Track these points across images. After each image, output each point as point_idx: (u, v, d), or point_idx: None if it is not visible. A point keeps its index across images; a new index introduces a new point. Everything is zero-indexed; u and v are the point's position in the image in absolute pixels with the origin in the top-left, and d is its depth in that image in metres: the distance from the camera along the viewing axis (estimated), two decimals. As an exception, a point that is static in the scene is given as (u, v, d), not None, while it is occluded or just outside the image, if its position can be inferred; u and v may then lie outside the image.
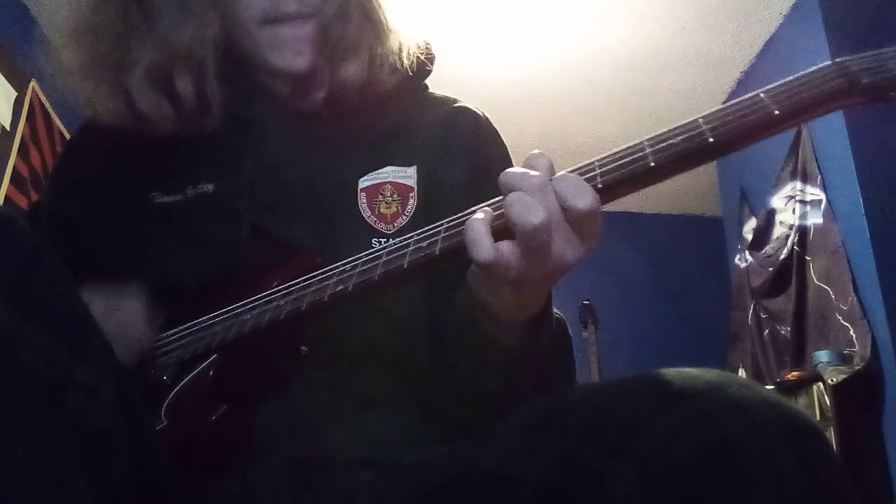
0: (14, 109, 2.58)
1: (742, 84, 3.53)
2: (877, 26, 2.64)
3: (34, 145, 2.70)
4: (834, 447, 2.12)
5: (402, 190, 0.82)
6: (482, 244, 0.56)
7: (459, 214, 0.61)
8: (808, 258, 2.90)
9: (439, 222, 0.63)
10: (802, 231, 2.93)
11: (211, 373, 0.70)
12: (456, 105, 0.92)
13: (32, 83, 2.67)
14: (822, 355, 2.57)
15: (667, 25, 3.22)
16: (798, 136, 2.94)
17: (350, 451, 0.70)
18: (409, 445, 0.70)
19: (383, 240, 0.77)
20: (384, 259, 0.63)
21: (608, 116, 3.83)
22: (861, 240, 2.58)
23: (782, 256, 3.04)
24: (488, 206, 0.59)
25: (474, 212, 0.59)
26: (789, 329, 2.98)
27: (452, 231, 0.60)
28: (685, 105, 3.65)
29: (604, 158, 0.58)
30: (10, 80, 2.55)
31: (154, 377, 0.72)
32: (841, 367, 2.49)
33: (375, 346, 0.76)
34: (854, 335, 2.57)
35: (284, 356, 0.73)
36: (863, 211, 2.56)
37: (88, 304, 0.54)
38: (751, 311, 3.35)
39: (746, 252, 3.42)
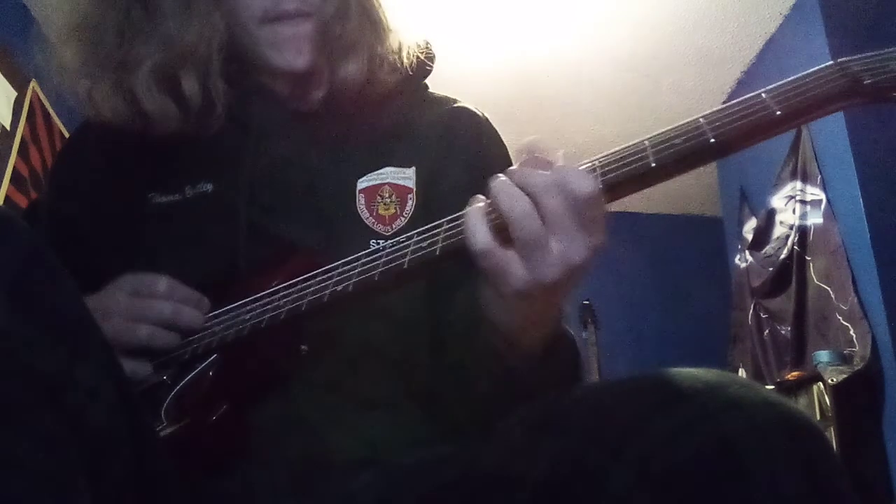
0: (14, 109, 2.58)
1: (742, 84, 3.53)
2: (877, 26, 2.64)
3: (34, 145, 2.70)
4: (834, 447, 2.12)
5: (400, 191, 0.82)
6: (478, 230, 0.56)
7: (459, 214, 0.61)
8: (808, 258, 2.90)
9: (439, 221, 0.63)
10: (802, 231, 2.93)
11: (211, 373, 0.70)
12: (456, 105, 0.92)
13: (32, 83, 2.67)
14: (822, 355, 2.57)
15: (667, 25, 3.22)
16: (798, 136, 2.94)
17: (350, 451, 0.70)
18: (409, 445, 0.70)
19: (381, 241, 0.77)
20: (384, 259, 0.63)
21: (608, 116, 3.82)
22: (861, 240, 2.57)
23: (782, 256, 3.04)
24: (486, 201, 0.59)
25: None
26: (789, 329, 2.97)
27: (452, 231, 0.60)
28: (685, 105, 3.64)
29: (604, 158, 0.57)
30: (10, 80, 2.55)
31: (154, 377, 0.72)
32: (841, 367, 2.49)
33: (375, 347, 0.76)
34: (854, 335, 2.56)
35: (284, 356, 0.72)
36: (863, 211, 2.56)
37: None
38: (751, 311, 3.35)
39: (746, 252, 3.42)
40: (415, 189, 0.82)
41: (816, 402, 2.51)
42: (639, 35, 3.28)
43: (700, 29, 3.24)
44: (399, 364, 0.77)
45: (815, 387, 2.54)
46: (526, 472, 0.50)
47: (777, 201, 3.16)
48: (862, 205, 2.57)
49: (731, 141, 0.54)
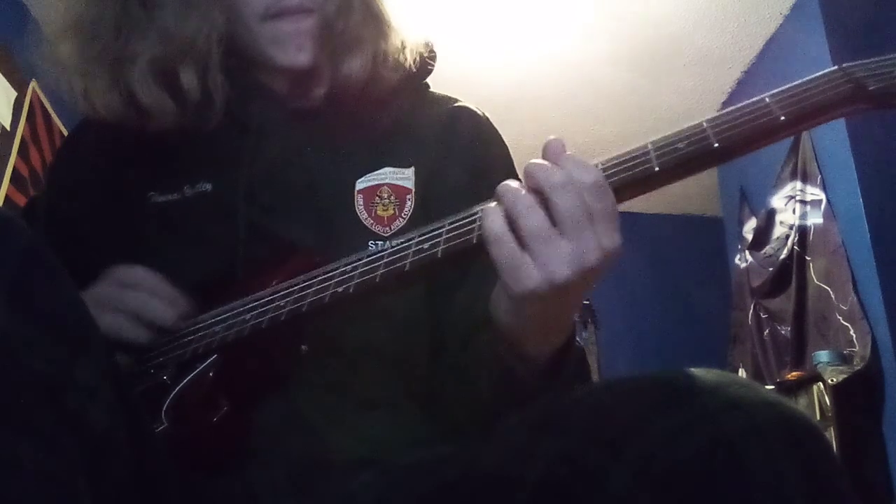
0: (14, 109, 2.58)
1: (742, 84, 3.53)
2: (877, 26, 2.64)
3: (34, 145, 2.70)
4: (834, 447, 2.12)
5: (399, 192, 0.81)
6: (494, 217, 0.56)
7: (461, 215, 0.61)
8: (808, 258, 2.90)
9: (440, 223, 0.62)
10: (802, 231, 2.93)
11: (211, 373, 0.70)
12: (456, 105, 0.92)
13: (32, 83, 2.67)
14: (822, 355, 2.57)
15: (667, 25, 3.21)
16: (798, 136, 2.94)
17: (350, 452, 0.70)
18: (409, 445, 0.70)
19: (380, 242, 0.76)
20: (385, 260, 0.63)
21: (608, 116, 3.82)
22: (861, 240, 2.57)
23: (782, 256, 3.04)
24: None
25: (475, 211, 0.59)
26: (789, 329, 2.97)
27: (454, 233, 0.60)
28: (685, 105, 3.64)
29: (608, 161, 0.57)
30: (10, 80, 2.55)
31: (154, 377, 0.72)
32: (841, 367, 2.49)
33: (375, 347, 0.76)
34: (854, 335, 2.56)
35: (285, 357, 0.72)
36: (863, 211, 2.56)
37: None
38: (751, 311, 3.35)
39: (746, 252, 3.42)
40: (414, 189, 0.82)
41: (816, 402, 2.51)
42: (639, 35, 3.28)
43: (700, 29, 3.24)
44: (399, 364, 0.77)
45: (815, 387, 2.54)
46: (526, 472, 0.50)
47: (777, 201, 3.16)
48: (862, 205, 2.57)
49: (735, 145, 0.54)
